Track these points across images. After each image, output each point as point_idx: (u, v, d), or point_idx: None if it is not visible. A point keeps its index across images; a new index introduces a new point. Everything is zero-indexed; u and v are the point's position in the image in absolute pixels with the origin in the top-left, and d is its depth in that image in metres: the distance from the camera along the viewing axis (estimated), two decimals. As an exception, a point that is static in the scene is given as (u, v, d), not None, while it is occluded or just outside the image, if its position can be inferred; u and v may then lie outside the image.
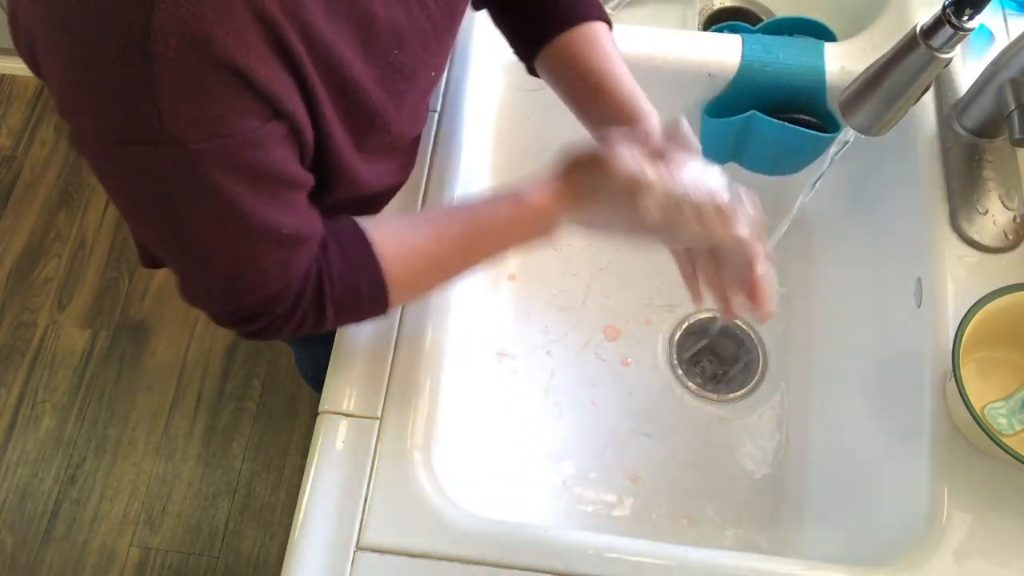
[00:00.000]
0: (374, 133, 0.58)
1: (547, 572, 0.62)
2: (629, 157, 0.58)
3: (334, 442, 0.66)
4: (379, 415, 0.67)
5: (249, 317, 0.55)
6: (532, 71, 0.72)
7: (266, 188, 0.49)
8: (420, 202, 0.76)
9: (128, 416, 1.62)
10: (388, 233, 0.59)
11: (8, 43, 1.99)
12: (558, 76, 0.70)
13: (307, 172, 0.54)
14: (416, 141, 0.76)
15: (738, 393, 0.91)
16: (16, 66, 1.96)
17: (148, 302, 1.73)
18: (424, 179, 0.78)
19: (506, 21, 0.72)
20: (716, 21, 1.06)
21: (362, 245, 0.58)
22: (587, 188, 0.60)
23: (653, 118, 0.66)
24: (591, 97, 0.68)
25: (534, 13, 0.69)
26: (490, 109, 0.86)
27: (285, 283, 0.54)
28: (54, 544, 1.52)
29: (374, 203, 0.72)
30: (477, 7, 0.73)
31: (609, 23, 0.70)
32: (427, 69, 0.61)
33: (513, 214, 0.60)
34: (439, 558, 0.62)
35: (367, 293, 0.58)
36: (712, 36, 0.87)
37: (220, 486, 1.56)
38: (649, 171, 0.58)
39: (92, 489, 1.56)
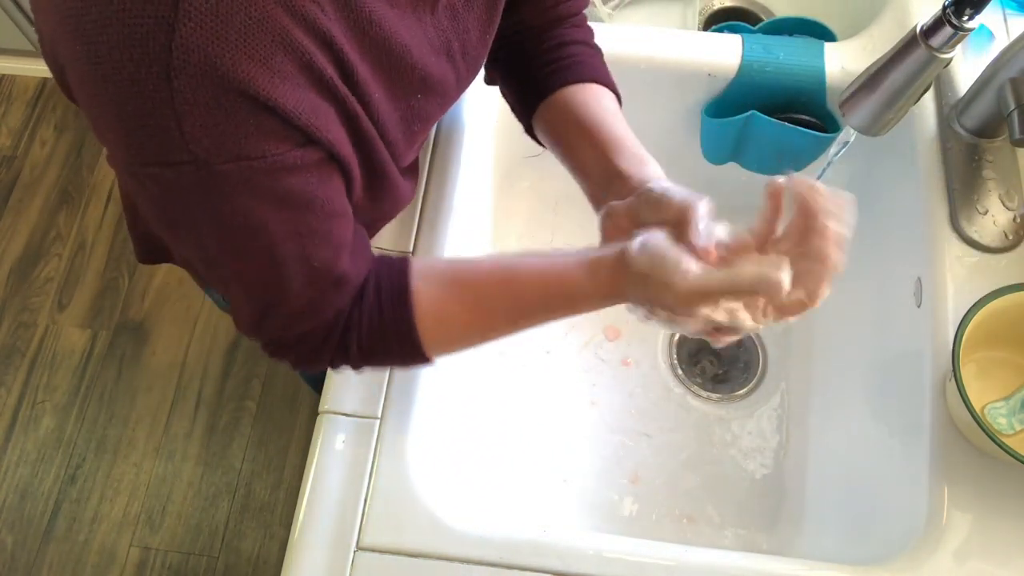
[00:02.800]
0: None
1: (547, 572, 0.62)
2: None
3: (334, 442, 0.66)
4: (379, 415, 0.67)
5: (282, 349, 0.56)
6: (531, 132, 0.70)
7: (299, 216, 0.47)
8: (420, 202, 0.77)
9: (128, 416, 1.62)
10: (432, 290, 0.56)
11: (8, 43, 1.97)
12: (553, 126, 0.67)
13: (346, 199, 0.52)
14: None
15: (738, 393, 0.92)
16: (16, 66, 1.96)
17: (148, 302, 1.73)
18: (424, 179, 0.78)
19: (512, 84, 0.70)
20: (716, 21, 1.06)
21: (401, 302, 0.55)
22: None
23: (659, 178, 0.58)
24: (586, 142, 0.63)
25: (537, 75, 0.67)
26: (490, 109, 0.86)
27: (315, 324, 0.54)
28: (54, 544, 1.52)
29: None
30: (489, 81, 0.72)
31: (618, 96, 0.67)
32: (439, 114, 0.61)
33: (568, 294, 0.55)
34: (439, 558, 0.62)
35: (398, 350, 0.56)
36: (712, 36, 0.87)
37: (220, 486, 1.56)
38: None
39: (92, 489, 1.56)
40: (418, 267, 0.57)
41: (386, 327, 0.55)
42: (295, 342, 0.55)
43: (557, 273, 0.55)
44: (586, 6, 0.71)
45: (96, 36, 0.39)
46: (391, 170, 0.57)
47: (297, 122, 0.43)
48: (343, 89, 0.46)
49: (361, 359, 0.57)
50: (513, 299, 0.56)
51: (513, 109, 0.71)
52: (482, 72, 0.66)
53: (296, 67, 0.43)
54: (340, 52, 0.45)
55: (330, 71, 0.45)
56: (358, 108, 0.48)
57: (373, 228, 0.72)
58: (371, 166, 0.54)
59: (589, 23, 0.71)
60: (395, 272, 0.56)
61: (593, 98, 0.65)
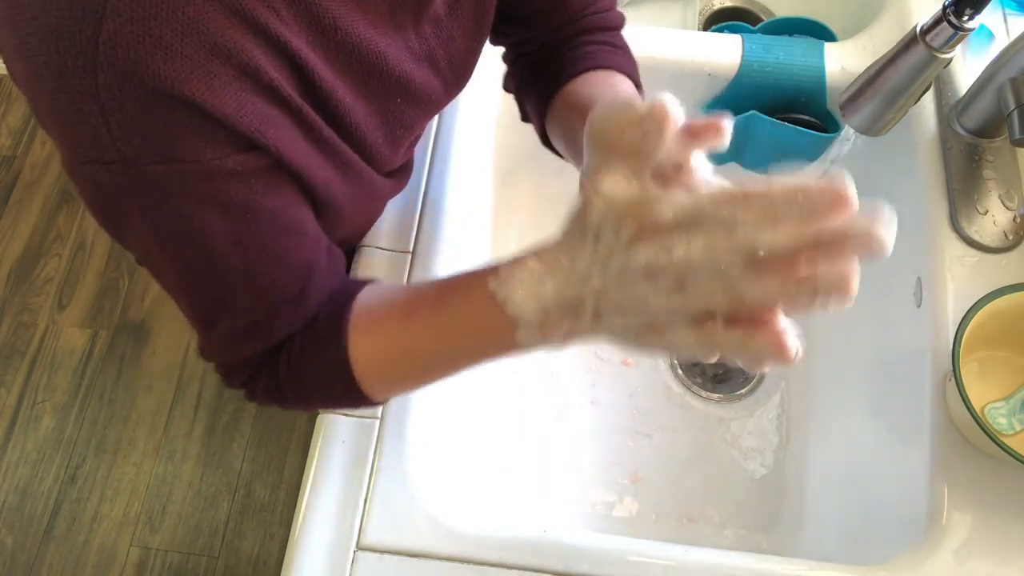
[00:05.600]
0: (370, 167, 0.56)
1: (547, 572, 0.62)
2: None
3: (334, 442, 0.66)
4: (379, 415, 0.67)
5: (230, 373, 0.53)
6: (547, 142, 0.66)
7: (242, 226, 0.45)
8: (420, 203, 0.76)
9: (128, 416, 1.62)
10: (366, 310, 0.52)
11: (8, 43, 1.95)
12: (560, 118, 0.61)
13: (307, 217, 0.49)
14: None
15: (738, 393, 0.92)
16: (16, 66, 1.96)
17: (148, 302, 1.73)
18: (424, 180, 0.78)
19: (531, 95, 0.66)
20: (716, 21, 1.06)
21: (336, 315, 0.51)
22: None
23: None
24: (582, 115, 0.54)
25: (550, 78, 0.63)
26: (490, 109, 0.86)
27: (260, 347, 0.51)
28: (54, 544, 1.52)
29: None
30: (508, 86, 0.70)
31: (636, 81, 0.62)
32: (425, 120, 0.59)
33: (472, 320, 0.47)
34: (439, 558, 0.62)
35: (325, 366, 0.51)
36: (712, 36, 0.87)
37: (220, 486, 1.56)
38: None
39: (92, 489, 1.56)
40: (368, 288, 0.53)
41: (317, 337, 0.51)
42: (240, 366, 0.52)
43: (460, 274, 0.49)
44: (622, 24, 0.66)
45: (27, 28, 0.39)
46: (368, 175, 0.55)
47: (238, 127, 0.42)
48: (296, 99, 0.44)
49: (291, 384, 0.52)
50: (421, 302, 0.50)
51: (534, 122, 0.67)
52: (474, 80, 0.63)
53: (236, 72, 0.41)
54: (297, 58, 0.43)
55: (280, 78, 0.43)
56: (315, 116, 0.46)
57: (360, 228, 0.71)
58: (343, 170, 0.52)
59: None
60: (344, 293, 0.52)
61: (603, 78, 0.60)
